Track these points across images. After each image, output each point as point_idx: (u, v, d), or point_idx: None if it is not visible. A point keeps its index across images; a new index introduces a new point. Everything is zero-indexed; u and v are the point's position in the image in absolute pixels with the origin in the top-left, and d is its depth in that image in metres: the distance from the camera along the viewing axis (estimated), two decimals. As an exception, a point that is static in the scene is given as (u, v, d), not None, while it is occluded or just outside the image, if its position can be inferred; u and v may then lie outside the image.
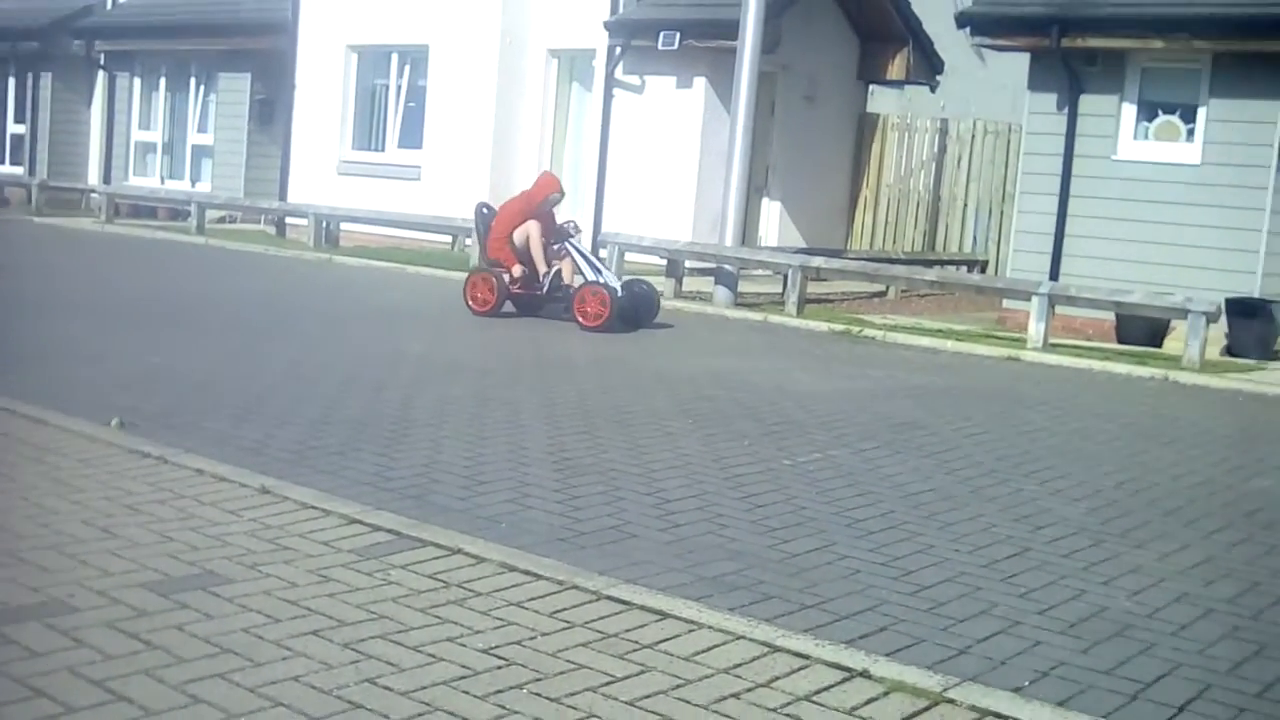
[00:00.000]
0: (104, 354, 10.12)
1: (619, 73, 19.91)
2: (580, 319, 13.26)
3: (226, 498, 5.88)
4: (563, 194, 14.32)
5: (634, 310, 13.51)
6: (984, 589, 5.53)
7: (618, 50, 19.74)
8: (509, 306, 13.98)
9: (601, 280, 13.46)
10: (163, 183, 26.43)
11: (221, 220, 24.37)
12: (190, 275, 16.89)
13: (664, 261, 16.68)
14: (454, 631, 4.46)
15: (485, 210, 14.44)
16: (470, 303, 13.96)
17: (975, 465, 7.98)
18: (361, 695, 3.90)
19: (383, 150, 22.49)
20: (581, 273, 13.72)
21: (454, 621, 4.55)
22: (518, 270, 13.78)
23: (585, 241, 19.74)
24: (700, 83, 19.29)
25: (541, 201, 13.97)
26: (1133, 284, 14.23)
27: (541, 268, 13.79)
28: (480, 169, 20.59)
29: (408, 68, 22.27)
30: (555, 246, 13.90)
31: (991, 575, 5.73)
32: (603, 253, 17.37)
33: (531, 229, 13.74)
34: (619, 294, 13.29)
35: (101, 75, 27.58)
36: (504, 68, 20.74)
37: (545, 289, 13.84)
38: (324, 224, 20.83)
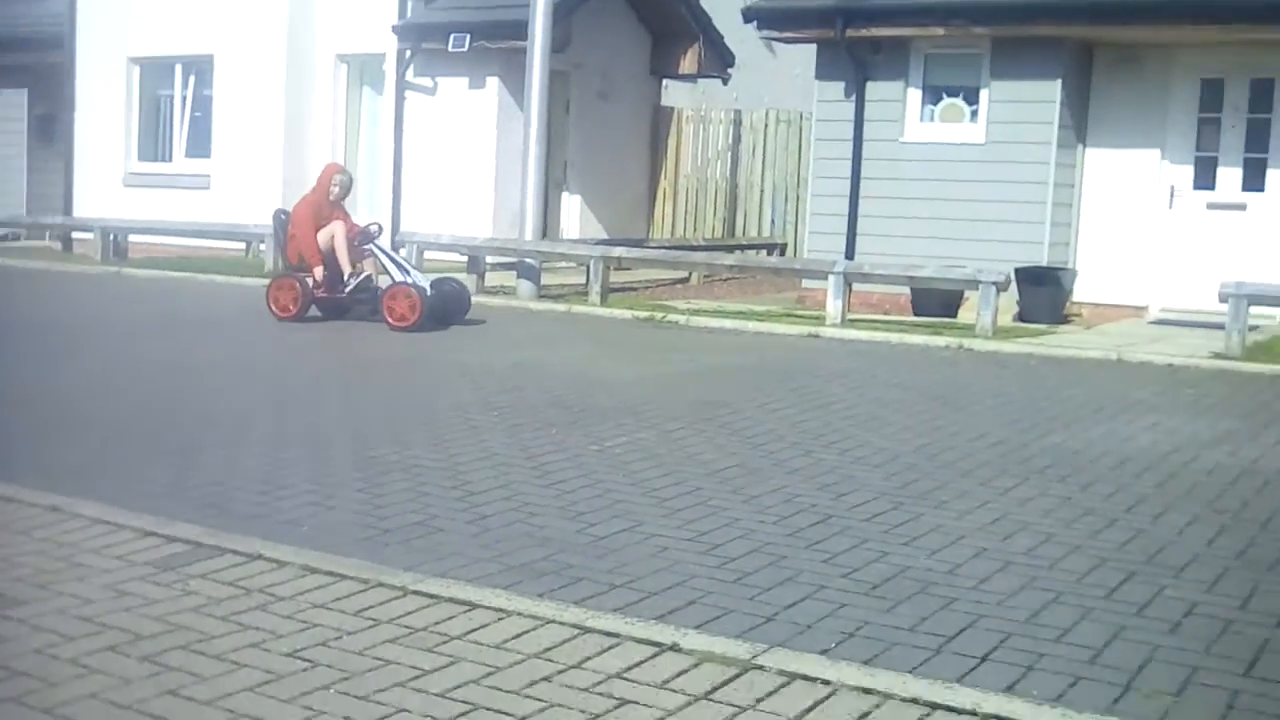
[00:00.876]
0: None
1: (410, 75, 19.77)
2: (389, 319, 13.06)
3: (14, 518, 5.64)
4: (349, 176, 14.18)
5: (444, 309, 13.38)
6: (789, 557, 5.60)
7: (408, 53, 19.61)
8: (315, 311, 13.73)
9: (410, 280, 13.28)
10: (-62, 204, 25.40)
11: (3, 239, 23.52)
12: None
13: (465, 258, 16.58)
14: (257, 637, 4.36)
15: (283, 216, 14.20)
16: (273, 308, 13.65)
17: (778, 439, 8.09)
18: (163, 708, 3.79)
19: (170, 160, 21.97)
20: (388, 273, 13.54)
21: (256, 627, 4.45)
22: (319, 273, 13.54)
23: (385, 241, 19.59)
24: (493, 82, 19.25)
25: (327, 188, 13.81)
26: (926, 259, 14.61)
27: (346, 268, 13.57)
28: (271, 175, 20.23)
29: (193, 78, 21.78)
30: (360, 246, 13.68)
31: (796, 543, 5.81)
32: (402, 252, 17.21)
33: (336, 230, 13.53)
34: (428, 293, 13.16)
35: None
36: (292, 74, 20.42)
37: (347, 290, 13.63)
38: (111, 237, 20.23)
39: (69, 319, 14.00)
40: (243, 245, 19.78)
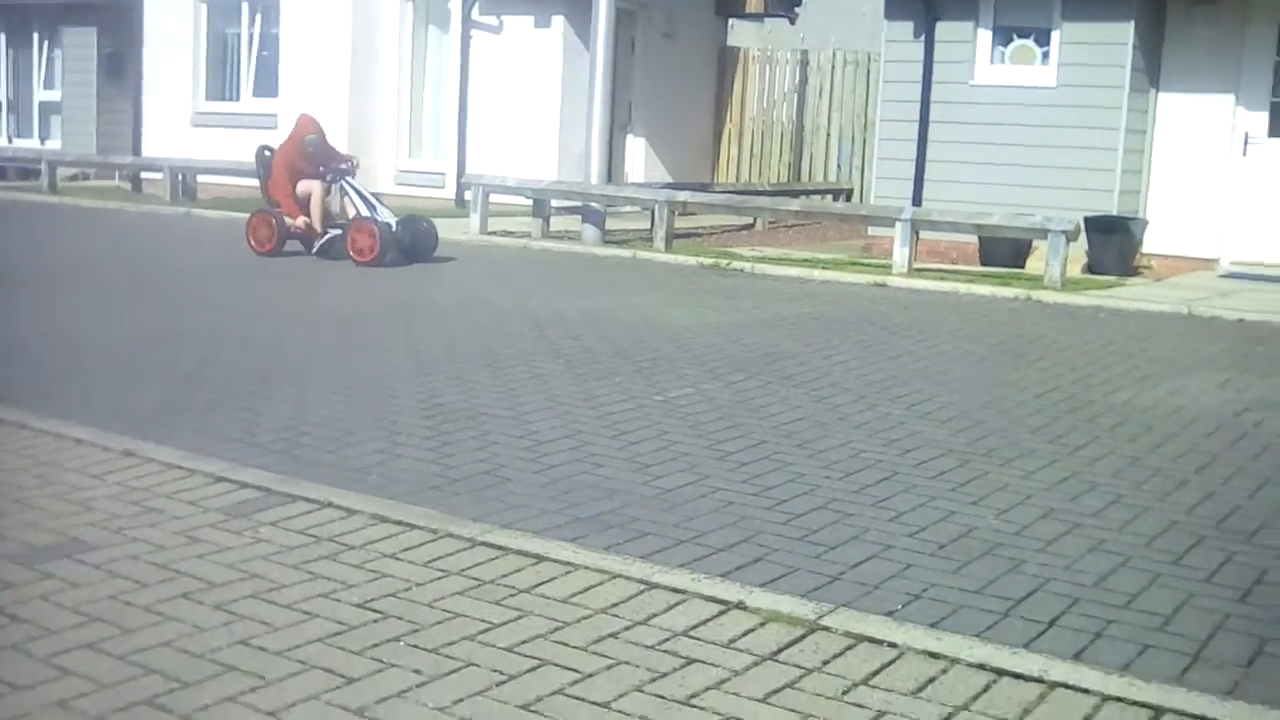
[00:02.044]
0: (-45, 321, 9.82)
1: (475, 14, 19.69)
2: (352, 253, 13.53)
3: (88, 462, 5.74)
4: (321, 135, 14.37)
5: (412, 245, 13.83)
6: (855, 514, 5.60)
7: (474, -9, 19.54)
8: (295, 246, 14.18)
9: (372, 216, 13.61)
10: (10, 142, 25.65)
11: (74, 178, 23.72)
12: (43, 236, 16.41)
13: (530, 202, 16.56)
14: (327, 587, 4.41)
15: (266, 153, 14.58)
16: (252, 242, 14.20)
17: (844, 392, 8.06)
18: (235, 657, 3.84)
19: (238, 100, 22.02)
20: (355, 209, 13.89)
21: (327, 577, 4.50)
22: (300, 221, 13.98)
23: (449, 184, 19.63)
24: (558, 21, 19.14)
25: (302, 143, 14.11)
26: (994, 206, 14.44)
27: (318, 228, 14.00)
28: (338, 116, 20.20)
29: (259, 15, 21.79)
30: (330, 179, 14.05)
31: (862, 500, 5.80)
32: (467, 195, 17.23)
33: (315, 189, 13.99)
34: (392, 229, 13.54)
35: (-62, 33, 26.59)
36: (358, 12, 20.38)
37: (315, 250, 14.03)
38: (180, 177, 20.37)
39: (140, 260, 14.14)
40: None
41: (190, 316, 10.35)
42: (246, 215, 14.63)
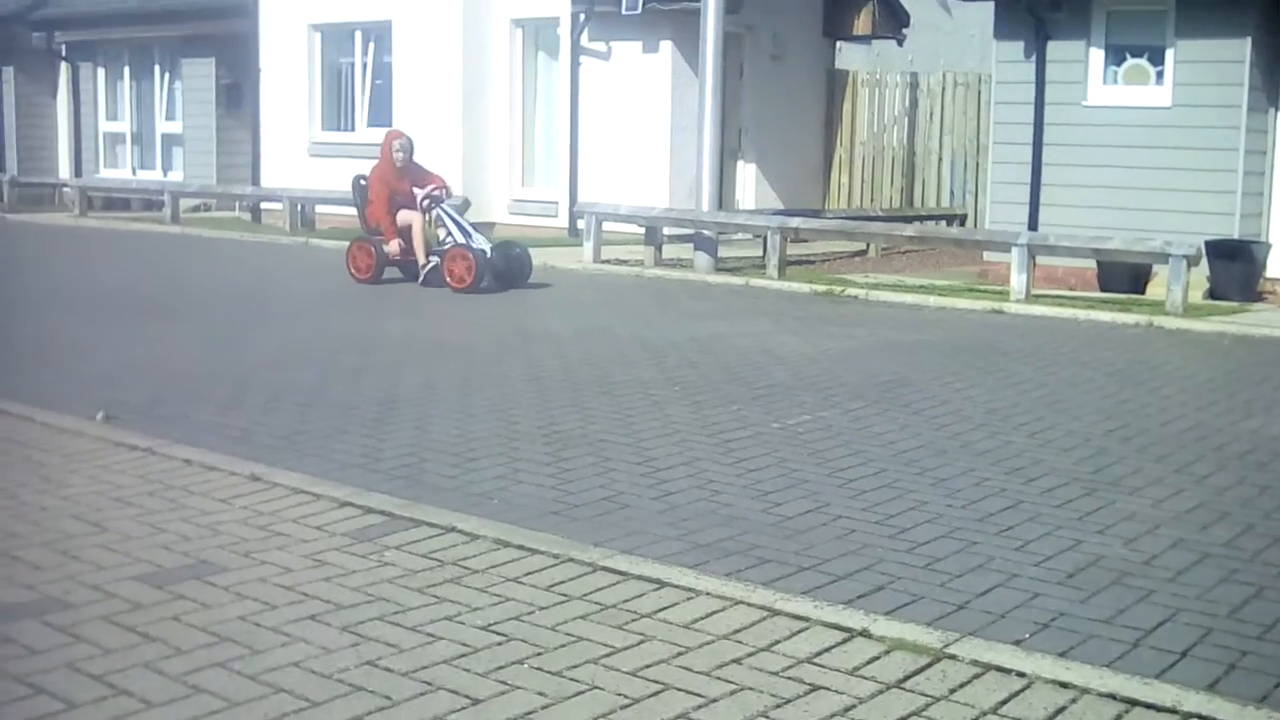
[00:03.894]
0: (86, 348, 10.07)
1: (584, 40, 19.79)
2: (449, 280, 13.75)
3: (216, 486, 5.85)
4: (408, 139, 14.61)
5: (507, 271, 14.11)
6: (980, 543, 5.53)
7: (582, 17, 19.60)
8: (395, 273, 14.47)
9: (468, 243, 13.83)
10: (134, 173, 26.26)
11: (196, 209, 24.21)
12: (168, 265, 16.79)
13: (642, 230, 16.61)
14: (452, 610, 4.45)
15: (362, 182, 14.83)
16: (352, 270, 14.51)
17: (964, 419, 7.98)
18: (363, 678, 3.89)
19: (353, 130, 22.31)
20: (451, 235, 14.10)
21: (451, 600, 4.54)
22: (396, 245, 14.20)
23: (561, 212, 19.74)
24: (666, 46, 19.18)
25: (391, 155, 14.32)
26: (1112, 230, 14.23)
27: (421, 259, 14.21)
28: (451, 145, 20.47)
29: (372, 44, 22.09)
30: (426, 204, 14.21)
31: (986, 529, 5.73)
32: (580, 223, 17.31)
33: (415, 220, 14.20)
34: (487, 255, 13.80)
35: (64, 67, 27.28)
36: (468, 40, 20.56)
37: (421, 279, 14.19)
38: (299, 207, 20.71)
39: (260, 289, 14.41)
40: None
41: (310, 343, 10.53)
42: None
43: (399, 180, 14.34)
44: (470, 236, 14.03)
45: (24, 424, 6.97)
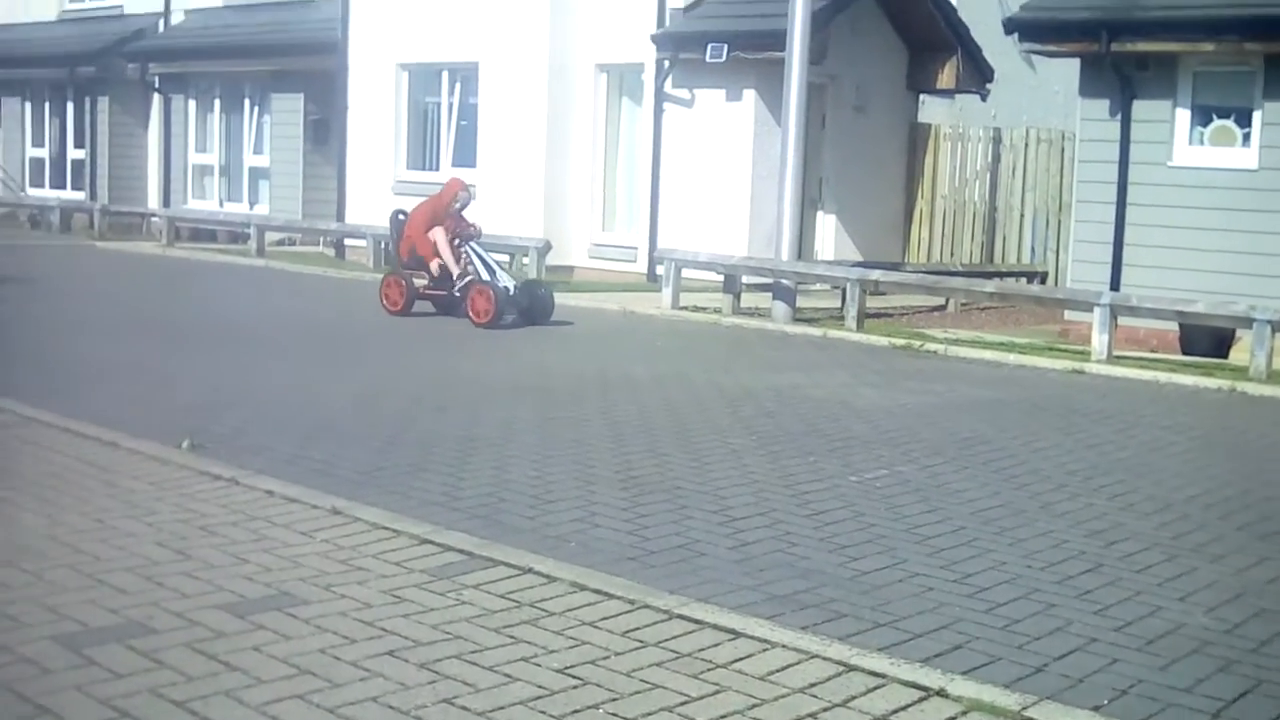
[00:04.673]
0: (172, 377, 10.23)
1: (668, 86, 19.87)
2: (471, 314, 14.25)
3: (298, 519, 5.92)
4: (470, 194, 15.42)
5: (530, 309, 14.63)
6: (1058, 605, 5.48)
7: (666, 64, 19.70)
8: (427, 306, 15.05)
9: (490, 280, 14.38)
10: (221, 205, 26.62)
11: (281, 242, 24.51)
12: (252, 298, 17.02)
13: (720, 277, 16.64)
14: (528, 651, 4.47)
15: (400, 216, 15.48)
16: (384, 303, 15.08)
17: (1044, 479, 7.92)
18: (439, 716, 3.92)
19: (437, 169, 22.47)
20: (477, 272, 14.56)
21: (528, 641, 4.56)
22: (435, 266, 14.72)
23: (641, 258, 19.82)
24: (750, 95, 19.23)
25: (450, 202, 14.99)
26: (1195, 293, 14.08)
27: (454, 269, 14.73)
28: (533, 187, 20.63)
29: (458, 85, 22.31)
30: (457, 244, 14.72)
31: (1065, 591, 5.68)
32: (659, 269, 17.37)
33: (438, 235, 14.74)
34: (509, 292, 14.38)
35: (157, 98, 27.75)
36: (553, 83, 20.71)
37: (458, 289, 14.70)
38: (382, 245, 20.90)
39: (344, 324, 14.57)
40: (506, 258, 20.12)
41: (389, 378, 10.63)
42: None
43: (445, 219, 14.92)
44: (494, 274, 14.57)
45: (110, 450, 7.09)
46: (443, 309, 15.02)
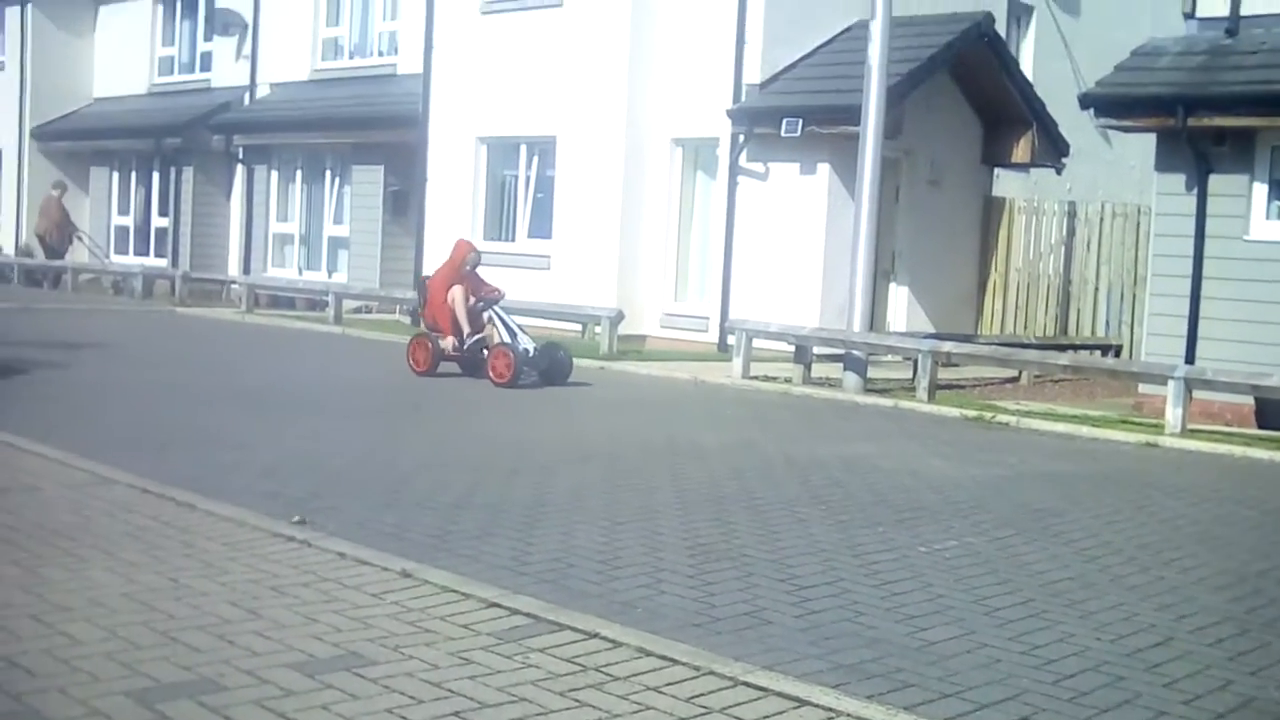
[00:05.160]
0: (248, 440, 10.38)
1: (743, 160, 20.04)
2: (491, 375, 14.95)
3: (368, 580, 5.99)
4: (479, 255, 16.14)
5: (549, 370, 15.29)
6: (1127, 678, 5.43)
7: (741, 138, 19.89)
8: (453, 367, 15.62)
9: (510, 342, 15.06)
10: (300, 274, 27.03)
11: (358, 310, 24.82)
12: (330, 364, 17.25)
13: (791, 347, 16.67)
14: (593, 715, 4.50)
15: (426, 279, 16.37)
16: (411, 363, 15.67)
17: (1115, 552, 7.85)
18: (504, 777, 3.95)
19: (513, 240, 22.73)
20: (499, 335, 15.27)
21: (593, 705, 4.59)
22: (448, 342, 15.40)
23: (712, 328, 19.91)
24: (824, 169, 19.35)
25: (461, 263, 15.69)
26: (1271, 366, 13.93)
27: (466, 328, 15.40)
28: (608, 257, 20.80)
29: (536, 158, 22.58)
30: (479, 306, 15.46)
31: (1134, 664, 5.63)
32: (731, 339, 17.43)
33: (456, 294, 15.43)
34: (529, 354, 15.08)
35: (240, 169, 28.32)
36: (629, 156, 20.92)
37: (465, 346, 15.39)
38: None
39: (420, 391, 14.72)
40: (579, 326, 20.31)
41: (461, 444, 10.73)
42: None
43: (460, 284, 15.48)
44: (515, 337, 15.22)
45: (187, 511, 7.21)
46: (467, 370, 15.65)
